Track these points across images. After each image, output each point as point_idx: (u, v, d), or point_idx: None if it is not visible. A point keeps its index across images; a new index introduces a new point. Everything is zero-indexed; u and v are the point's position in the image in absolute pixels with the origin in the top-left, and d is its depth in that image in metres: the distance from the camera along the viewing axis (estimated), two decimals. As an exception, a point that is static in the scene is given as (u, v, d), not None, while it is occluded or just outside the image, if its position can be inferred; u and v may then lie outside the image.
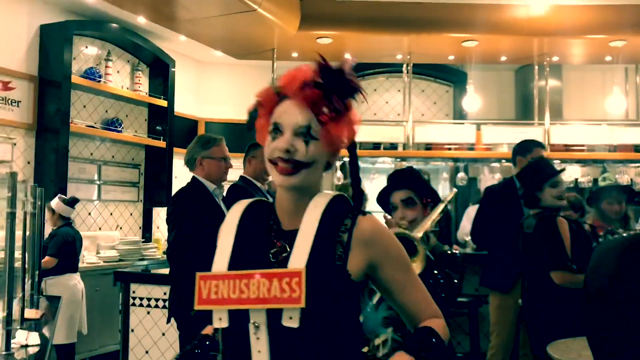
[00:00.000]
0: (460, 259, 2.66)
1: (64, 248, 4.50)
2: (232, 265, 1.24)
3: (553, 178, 3.20)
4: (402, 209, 2.23)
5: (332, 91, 1.25)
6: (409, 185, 2.27)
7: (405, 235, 2.03)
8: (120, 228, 6.20)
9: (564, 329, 2.97)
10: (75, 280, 4.60)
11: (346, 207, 1.29)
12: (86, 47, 5.76)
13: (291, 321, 1.13)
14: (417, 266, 1.97)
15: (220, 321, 1.21)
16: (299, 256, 1.18)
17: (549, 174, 3.21)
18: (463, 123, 7.36)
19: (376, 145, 7.18)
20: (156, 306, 4.33)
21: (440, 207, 2.37)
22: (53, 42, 5.23)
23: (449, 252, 2.24)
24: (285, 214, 1.30)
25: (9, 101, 5.02)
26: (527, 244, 3.27)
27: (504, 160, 6.79)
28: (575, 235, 3.09)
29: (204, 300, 1.20)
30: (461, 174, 6.91)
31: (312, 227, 1.22)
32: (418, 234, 2.10)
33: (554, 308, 3.05)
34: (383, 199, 2.40)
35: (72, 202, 4.64)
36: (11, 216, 2.17)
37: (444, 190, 7.55)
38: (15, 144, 5.05)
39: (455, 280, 2.22)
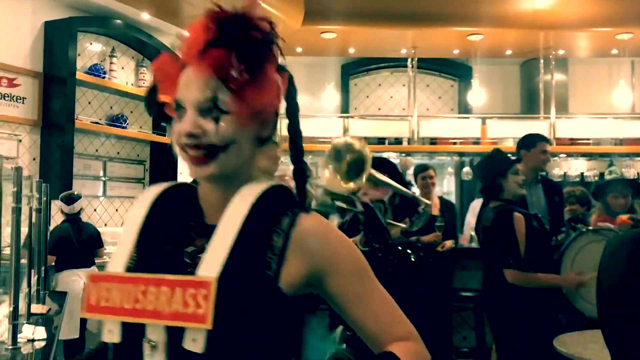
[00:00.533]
0: (416, 261, 2.70)
1: (58, 245, 4.49)
2: (136, 266, 1.00)
3: (515, 165, 3.20)
4: (368, 187, 2.32)
5: (238, 47, 0.96)
6: (383, 171, 2.35)
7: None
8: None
9: (523, 323, 2.97)
10: (75, 277, 4.57)
11: (286, 202, 1.03)
12: (90, 43, 5.76)
13: (194, 344, 0.88)
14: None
15: (111, 334, 0.94)
16: (212, 261, 0.92)
17: (511, 161, 3.22)
18: (468, 117, 7.34)
19: (381, 140, 7.17)
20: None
21: (403, 189, 2.51)
22: (57, 39, 5.23)
23: (404, 252, 2.30)
24: (210, 206, 1.04)
25: (14, 98, 5.03)
26: (485, 237, 3.26)
27: (509, 155, 6.76)
28: (533, 231, 3.06)
29: (92, 307, 0.93)
30: (466, 169, 6.88)
31: (233, 226, 0.95)
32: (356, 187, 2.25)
33: (510, 302, 3.04)
34: None
35: (68, 200, 4.65)
36: (17, 211, 2.17)
37: (449, 185, 7.53)
38: (20, 141, 5.07)
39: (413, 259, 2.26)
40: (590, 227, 3.34)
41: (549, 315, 3.14)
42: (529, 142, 4.07)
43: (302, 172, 1.07)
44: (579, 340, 2.64)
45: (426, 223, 4.40)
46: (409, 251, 2.17)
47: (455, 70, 8.04)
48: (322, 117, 7.11)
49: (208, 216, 1.03)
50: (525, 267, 2.96)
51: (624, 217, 3.69)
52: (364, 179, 2.20)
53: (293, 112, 1.08)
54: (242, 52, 0.95)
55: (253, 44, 0.97)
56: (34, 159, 5.20)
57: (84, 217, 5.69)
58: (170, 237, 1.02)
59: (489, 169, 3.22)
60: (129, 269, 0.99)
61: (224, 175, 1.01)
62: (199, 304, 0.87)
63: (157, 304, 0.89)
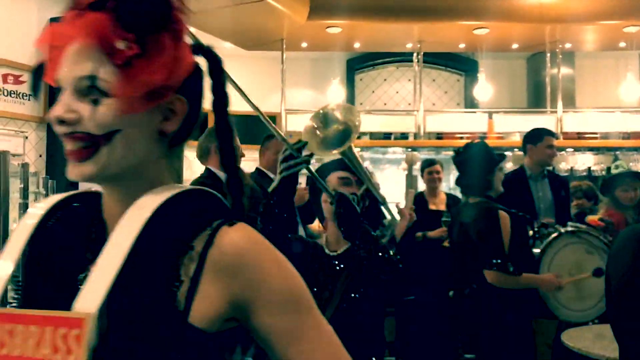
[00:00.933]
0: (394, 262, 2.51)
1: None
2: (24, 297, 0.84)
3: (502, 161, 3.14)
4: (337, 185, 2.18)
5: (125, 10, 0.75)
6: (350, 169, 2.26)
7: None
8: (133, 220, 6.23)
9: (499, 327, 2.92)
10: None
11: (206, 213, 0.81)
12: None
13: None
14: None
15: None
16: (91, 292, 0.70)
17: (499, 158, 3.14)
18: (475, 112, 7.31)
19: (387, 135, 7.15)
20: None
21: (378, 192, 2.40)
22: (63, 35, 5.24)
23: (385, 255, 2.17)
24: (113, 219, 0.80)
25: (21, 95, 5.04)
26: (463, 234, 3.13)
27: (516, 149, 6.73)
28: (517, 230, 2.97)
29: None
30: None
31: (123, 245, 0.73)
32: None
33: (489, 304, 2.94)
34: (321, 175, 2.28)
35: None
36: (24, 207, 2.18)
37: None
38: (27, 137, 5.08)
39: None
40: (569, 229, 3.25)
41: (524, 319, 3.10)
42: (536, 136, 4.05)
43: (236, 183, 0.87)
44: (587, 334, 2.63)
45: (432, 221, 4.37)
46: (398, 255, 2.06)
47: (461, 64, 8.01)
48: (327, 112, 7.10)
49: (110, 232, 0.78)
50: (507, 268, 2.86)
51: (594, 217, 3.68)
52: (345, 148, 2.07)
53: (220, 105, 0.87)
54: (130, 18, 0.74)
55: (145, 6, 0.74)
56: (40, 156, 5.21)
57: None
58: (63, 258, 0.82)
59: (479, 165, 3.12)
60: (20, 300, 0.79)
61: (117, 178, 0.80)
62: (70, 348, 0.67)
63: (24, 348, 0.69)
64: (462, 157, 3.19)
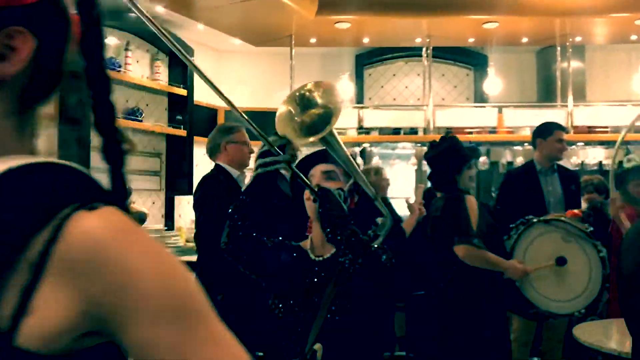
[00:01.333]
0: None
1: None
2: None
3: (472, 160, 3.16)
4: (321, 180, 1.94)
5: None
6: (336, 162, 1.96)
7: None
8: (143, 217, 6.26)
9: (474, 318, 2.91)
10: None
11: (58, 194, 0.61)
12: (106, 37, 5.79)
13: None
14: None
15: None
16: None
17: (468, 156, 3.15)
18: (484, 106, 7.28)
19: (396, 131, 7.13)
20: (180, 293, 4.38)
21: (367, 185, 2.06)
22: (73, 33, 5.27)
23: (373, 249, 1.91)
24: None
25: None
26: (434, 227, 3.15)
27: (526, 144, 6.70)
28: (485, 216, 3.03)
29: None
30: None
31: None
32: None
33: (466, 297, 2.97)
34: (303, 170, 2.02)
35: None
36: None
37: (466, 174, 7.48)
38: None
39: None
40: (541, 218, 3.24)
41: (498, 310, 3.08)
42: (545, 130, 4.03)
43: (115, 149, 0.71)
44: (600, 329, 2.62)
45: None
46: (378, 249, 1.83)
47: (470, 59, 7.97)
48: (336, 108, 7.09)
49: None
50: (473, 242, 2.88)
51: (574, 210, 3.68)
52: (325, 134, 1.72)
53: (92, 47, 0.72)
54: None
55: None
56: (51, 154, 5.25)
57: (102, 210, 5.76)
58: None
59: (445, 164, 3.13)
60: None
61: None
62: None
63: None
64: (431, 153, 3.17)
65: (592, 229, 3.24)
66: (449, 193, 3.10)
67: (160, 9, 5.82)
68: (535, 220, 3.20)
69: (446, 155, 3.12)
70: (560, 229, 3.12)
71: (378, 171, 4.70)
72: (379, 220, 2.09)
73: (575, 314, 3.05)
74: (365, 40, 7.20)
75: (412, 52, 7.67)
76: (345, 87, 7.40)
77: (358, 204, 1.96)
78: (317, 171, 1.96)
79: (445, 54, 7.75)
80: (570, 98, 6.89)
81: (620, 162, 6.76)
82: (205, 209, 3.27)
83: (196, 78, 6.54)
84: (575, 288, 3.03)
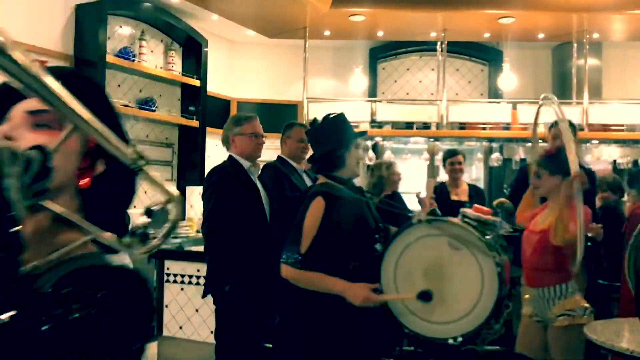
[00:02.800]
0: None
1: None
2: None
3: (361, 137, 2.67)
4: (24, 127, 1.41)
5: None
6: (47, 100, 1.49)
7: None
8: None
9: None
10: None
11: None
12: (120, 26, 5.81)
13: None
14: None
15: None
16: None
17: (356, 133, 2.63)
18: (499, 102, 7.23)
19: (409, 125, 7.10)
20: (190, 282, 4.40)
21: None
22: (88, 22, 5.28)
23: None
24: None
25: (46, 81, 5.11)
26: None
27: (540, 141, 6.65)
28: (339, 216, 2.46)
29: None
30: (496, 155, 6.79)
31: None
32: None
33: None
34: None
35: None
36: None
37: (478, 171, 7.45)
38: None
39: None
40: (424, 218, 2.50)
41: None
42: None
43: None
44: (611, 327, 2.60)
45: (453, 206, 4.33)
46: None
47: (485, 54, 7.91)
48: (349, 100, 7.08)
49: None
50: (303, 262, 2.40)
51: (482, 207, 2.69)
52: None
53: None
54: None
55: None
56: (66, 141, 5.28)
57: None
58: None
59: (331, 138, 2.54)
60: None
61: None
62: None
63: None
64: (314, 129, 2.63)
65: (500, 233, 2.62)
66: (327, 180, 2.57)
67: (175, -1, 5.83)
68: (414, 221, 2.49)
69: (331, 128, 2.57)
70: (447, 233, 2.44)
71: (390, 166, 4.69)
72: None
73: (449, 340, 2.34)
74: (380, 33, 7.17)
75: (426, 47, 7.63)
76: (358, 80, 7.38)
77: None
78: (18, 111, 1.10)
79: (460, 48, 7.69)
80: (585, 95, 6.82)
81: (635, 161, 6.69)
82: (213, 200, 3.28)
83: (210, 69, 6.56)
84: (458, 308, 2.35)
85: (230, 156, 3.47)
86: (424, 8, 6.33)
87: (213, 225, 3.27)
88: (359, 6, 6.26)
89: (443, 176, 5.22)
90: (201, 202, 3.43)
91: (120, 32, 5.81)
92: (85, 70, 5.26)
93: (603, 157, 6.78)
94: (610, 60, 7.69)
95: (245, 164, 3.43)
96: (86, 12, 5.32)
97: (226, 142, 3.50)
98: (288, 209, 3.07)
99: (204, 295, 3.47)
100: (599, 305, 3.25)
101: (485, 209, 2.63)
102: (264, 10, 6.18)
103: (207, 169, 4.31)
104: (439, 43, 7.15)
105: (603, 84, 7.56)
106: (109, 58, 5.37)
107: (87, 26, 5.29)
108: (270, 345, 3.55)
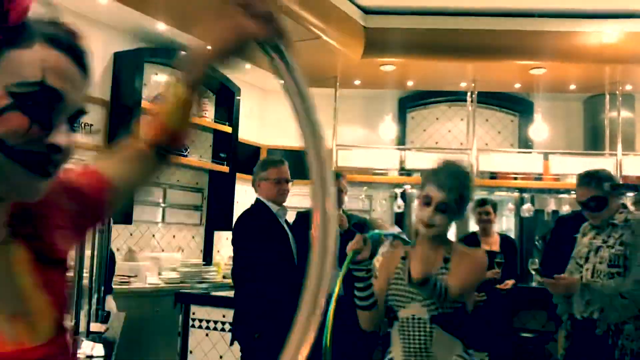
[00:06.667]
0: None
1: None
2: None
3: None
4: None
5: None
6: None
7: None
8: (182, 250, 6.31)
9: None
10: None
11: None
12: (156, 73, 5.97)
13: None
14: None
15: None
16: None
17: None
18: (530, 152, 7.16)
19: (438, 174, 7.05)
20: (215, 328, 4.36)
21: None
22: (125, 69, 5.45)
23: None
24: None
25: (83, 125, 5.24)
26: None
27: (572, 192, 6.54)
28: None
29: None
30: (527, 205, 6.69)
31: None
32: None
33: None
34: None
35: None
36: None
37: (509, 222, 7.33)
38: (86, 166, 5.26)
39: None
40: None
41: None
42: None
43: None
44: None
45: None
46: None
47: (515, 105, 7.89)
48: (378, 148, 7.10)
49: None
50: None
51: None
52: None
53: None
54: None
55: None
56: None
57: (143, 243, 5.84)
58: None
59: None
60: None
61: None
62: None
63: None
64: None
65: None
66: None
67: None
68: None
69: None
70: None
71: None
72: None
73: None
74: (410, 83, 7.23)
75: (456, 97, 7.64)
76: (387, 129, 7.41)
77: None
78: None
79: (490, 99, 7.68)
80: (619, 147, 6.73)
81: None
82: (241, 244, 3.27)
83: (242, 116, 6.67)
84: None
85: (257, 199, 3.47)
86: (455, 58, 6.38)
87: (241, 272, 3.26)
88: (390, 56, 6.34)
89: (473, 226, 5.15)
90: (228, 247, 3.43)
91: (156, 79, 5.97)
92: (121, 115, 5.40)
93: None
94: (643, 112, 7.59)
95: (274, 207, 3.42)
96: (124, 59, 5.50)
97: (254, 185, 3.53)
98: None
99: (231, 343, 3.42)
100: None
101: None
102: (297, 60, 6.30)
103: (236, 215, 4.32)
104: (468, 93, 7.17)
105: (637, 136, 7.45)
106: (145, 104, 5.51)
107: (124, 73, 5.46)
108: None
